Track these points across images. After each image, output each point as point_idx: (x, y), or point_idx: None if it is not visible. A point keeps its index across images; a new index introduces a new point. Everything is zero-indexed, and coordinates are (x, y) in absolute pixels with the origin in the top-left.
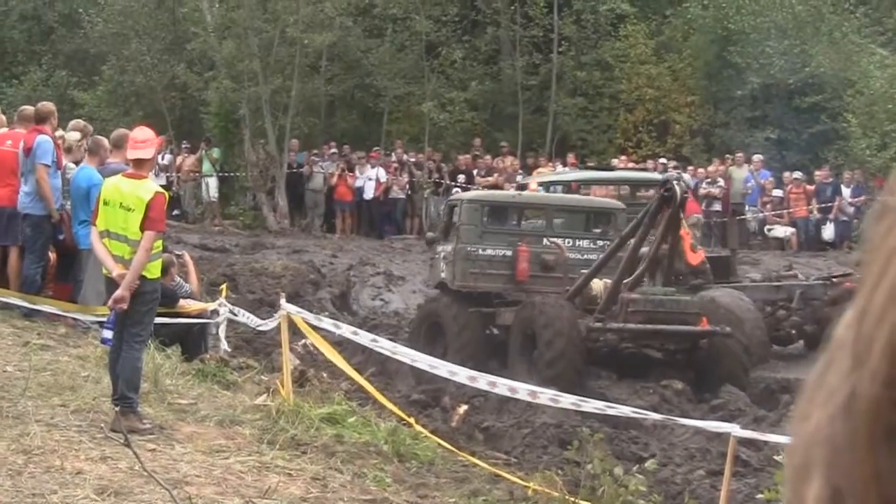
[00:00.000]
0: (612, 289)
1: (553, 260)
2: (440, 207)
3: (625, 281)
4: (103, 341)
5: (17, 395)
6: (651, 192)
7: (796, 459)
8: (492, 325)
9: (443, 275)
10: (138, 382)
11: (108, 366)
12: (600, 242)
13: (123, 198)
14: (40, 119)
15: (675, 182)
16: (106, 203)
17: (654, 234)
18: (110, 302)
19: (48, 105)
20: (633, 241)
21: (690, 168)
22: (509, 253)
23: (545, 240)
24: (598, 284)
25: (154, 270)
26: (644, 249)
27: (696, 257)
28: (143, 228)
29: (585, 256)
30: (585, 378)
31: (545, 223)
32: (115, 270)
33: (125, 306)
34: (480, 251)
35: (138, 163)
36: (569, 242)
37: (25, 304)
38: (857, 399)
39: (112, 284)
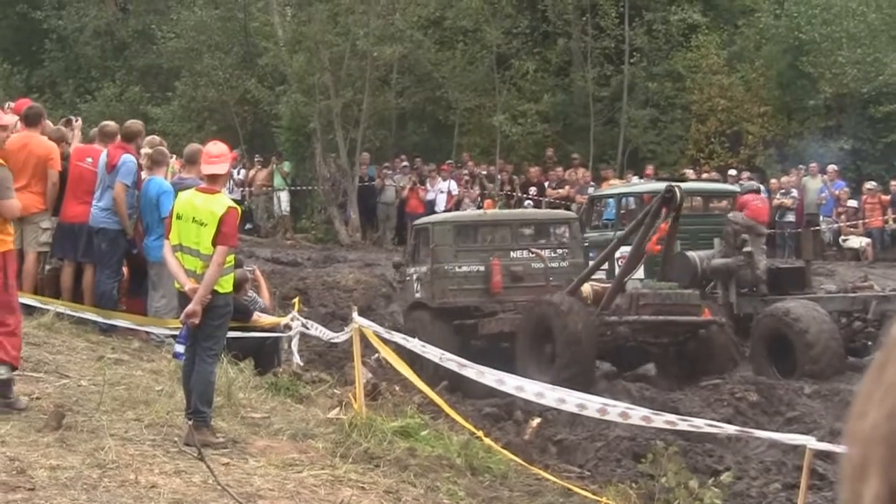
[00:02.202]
0: (616, 285)
1: (532, 275)
2: None
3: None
4: (175, 356)
5: (91, 410)
6: (724, 202)
7: (854, 458)
8: (473, 336)
9: (418, 295)
10: (211, 396)
11: (181, 380)
12: (560, 251)
13: (196, 212)
14: (128, 137)
15: (676, 187)
16: (179, 217)
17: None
18: (182, 316)
19: (137, 124)
20: (635, 239)
21: (750, 177)
22: (482, 268)
23: (526, 251)
24: (587, 288)
25: (226, 285)
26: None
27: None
28: (215, 243)
29: (549, 265)
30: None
31: (510, 237)
32: (188, 285)
33: (197, 321)
34: (456, 268)
35: (212, 178)
36: (532, 253)
37: (101, 319)
38: None
39: (184, 299)
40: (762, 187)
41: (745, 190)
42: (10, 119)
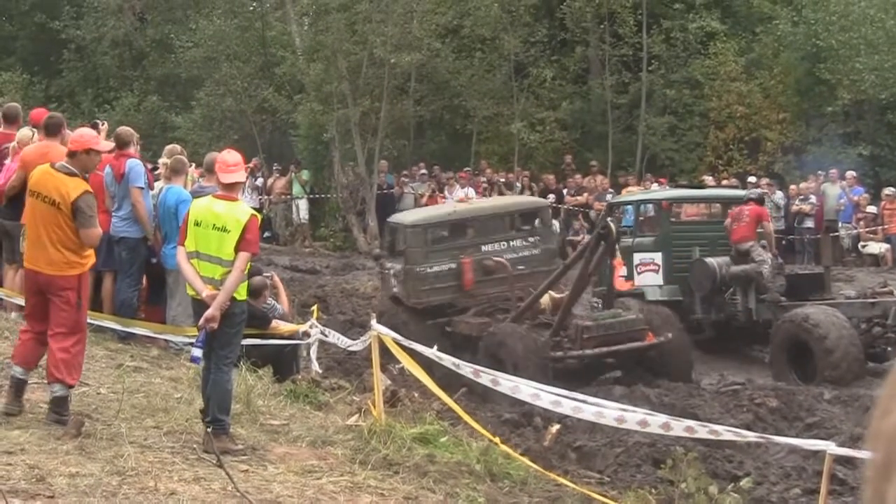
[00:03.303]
0: (562, 315)
1: (497, 271)
2: None
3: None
4: (192, 360)
5: (110, 417)
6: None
7: (878, 457)
8: (446, 334)
9: (395, 290)
10: (229, 404)
11: (200, 387)
12: (531, 239)
13: (217, 219)
14: (123, 144)
15: (610, 222)
16: (197, 224)
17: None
18: (202, 321)
19: (128, 129)
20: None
21: (765, 183)
22: (454, 266)
23: (497, 244)
24: (545, 298)
25: (242, 291)
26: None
27: (625, 285)
28: (238, 250)
29: (521, 254)
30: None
31: (481, 231)
32: (205, 291)
33: (216, 325)
34: (428, 269)
35: (230, 186)
36: (504, 244)
37: (120, 327)
38: None
39: (200, 305)
40: (764, 193)
41: (745, 198)
42: (107, 145)
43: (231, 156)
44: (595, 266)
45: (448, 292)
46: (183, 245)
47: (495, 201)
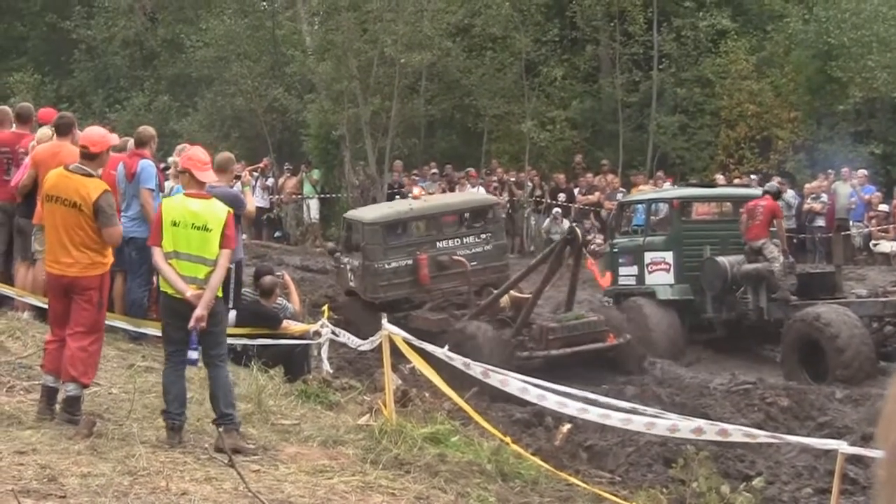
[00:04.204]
0: (525, 314)
1: (452, 267)
2: (541, 226)
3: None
4: (189, 362)
5: (122, 417)
6: None
7: (889, 469)
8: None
9: (352, 283)
10: (233, 397)
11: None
12: (483, 235)
13: (196, 218)
14: (140, 143)
15: (576, 227)
16: (175, 224)
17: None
18: (192, 322)
19: (149, 129)
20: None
21: (775, 181)
22: (410, 262)
23: (452, 241)
24: (505, 298)
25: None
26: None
27: (605, 281)
28: (220, 247)
29: (473, 250)
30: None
31: (436, 227)
32: (189, 291)
33: (205, 324)
34: (386, 266)
35: (204, 183)
36: (457, 241)
37: (131, 327)
38: None
39: (177, 305)
40: (778, 188)
41: (765, 191)
42: (115, 139)
43: (203, 153)
44: (556, 269)
45: (405, 287)
46: (158, 245)
47: (449, 198)
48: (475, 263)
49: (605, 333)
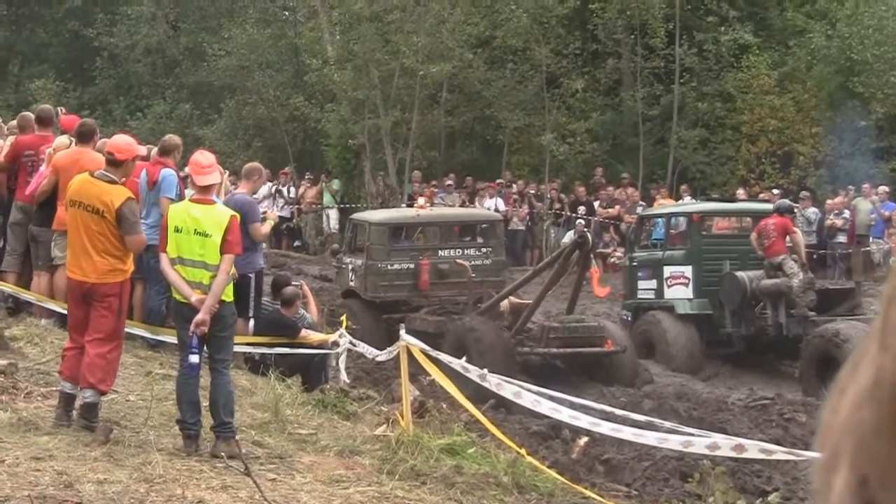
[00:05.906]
0: (527, 314)
1: (452, 274)
2: (561, 239)
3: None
4: (191, 367)
5: (139, 425)
6: None
7: (826, 451)
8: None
9: (352, 283)
10: (233, 406)
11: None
12: (484, 249)
13: (197, 224)
14: (164, 152)
15: (587, 233)
16: (178, 230)
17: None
18: (192, 326)
19: (174, 138)
20: (549, 275)
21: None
22: (412, 266)
23: (453, 251)
24: (504, 303)
25: (229, 293)
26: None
27: (603, 291)
28: (221, 252)
29: (473, 263)
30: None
31: (440, 236)
32: (194, 296)
33: (206, 329)
34: (388, 266)
35: (206, 188)
36: (459, 251)
37: (149, 334)
38: (882, 384)
39: (190, 310)
40: (792, 205)
41: (774, 209)
42: (142, 150)
43: (205, 157)
44: (561, 274)
45: (404, 290)
46: (165, 251)
47: (454, 211)
48: (473, 276)
49: (603, 339)
